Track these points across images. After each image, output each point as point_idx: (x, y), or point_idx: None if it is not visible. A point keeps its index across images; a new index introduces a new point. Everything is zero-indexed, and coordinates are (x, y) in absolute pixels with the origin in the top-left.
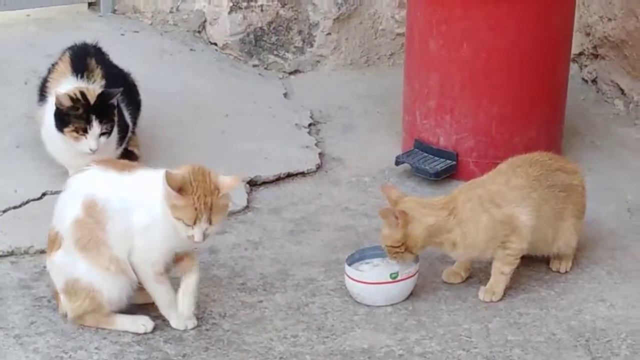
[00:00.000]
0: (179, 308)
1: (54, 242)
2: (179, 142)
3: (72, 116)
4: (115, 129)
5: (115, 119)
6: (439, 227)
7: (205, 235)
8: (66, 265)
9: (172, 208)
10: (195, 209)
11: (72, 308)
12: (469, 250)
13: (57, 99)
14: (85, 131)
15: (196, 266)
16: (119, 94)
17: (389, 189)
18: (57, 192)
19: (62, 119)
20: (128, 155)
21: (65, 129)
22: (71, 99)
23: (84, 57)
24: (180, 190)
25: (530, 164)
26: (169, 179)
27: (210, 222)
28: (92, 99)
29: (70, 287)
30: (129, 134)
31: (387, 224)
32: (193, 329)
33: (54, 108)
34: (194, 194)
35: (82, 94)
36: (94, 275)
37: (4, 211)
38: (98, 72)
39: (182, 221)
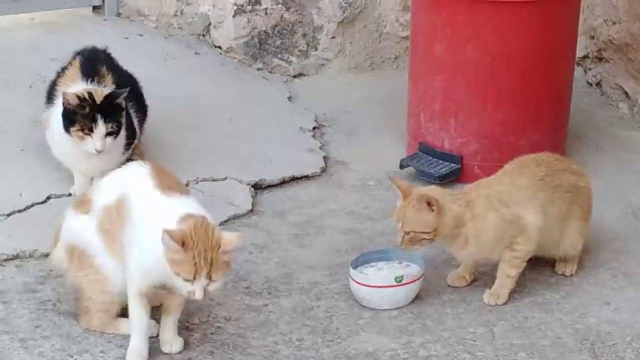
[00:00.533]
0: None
1: (84, 205)
2: (183, 145)
3: (79, 115)
4: (123, 132)
5: (123, 120)
6: (460, 217)
7: (206, 292)
8: (83, 233)
9: (171, 262)
10: (195, 264)
11: (75, 276)
12: (479, 247)
13: (65, 97)
14: (91, 130)
15: (179, 307)
16: (125, 94)
17: (397, 180)
18: (62, 196)
19: (69, 118)
20: None
21: (72, 128)
22: (78, 97)
23: (94, 63)
24: (182, 244)
25: (536, 164)
26: (169, 237)
27: (210, 278)
28: (99, 98)
29: (76, 252)
30: (136, 141)
31: (415, 210)
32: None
33: (62, 108)
34: (194, 248)
35: (90, 94)
36: (107, 260)
37: (9, 215)
38: (109, 79)
39: (180, 277)
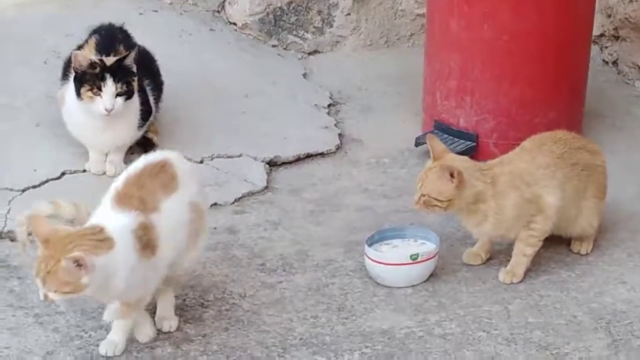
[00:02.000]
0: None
1: None
2: (198, 122)
3: (89, 75)
4: (137, 105)
5: (134, 84)
6: (481, 194)
7: (46, 296)
8: None
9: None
10: (38, 264)
11: None
12: (497, 226)
13: (76, 58)
14: (100, 89)
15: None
16: (135, 53)
17: (434, 140)
18: (77, 172)
19: (80, 80)
20: (146, 142)
21: (82, 89)
22: (90, 60)
23: (111, 41)
24: (45, 241)
25: (554, 142)
26: (34, 227)
27: (44, 283)
28: (109, 62)
29: None
30: (151, 118)
31: (437, 176)
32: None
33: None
34: (44, 250)
35: (101, 60)
36: None
37: (24, 190)
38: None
39: None
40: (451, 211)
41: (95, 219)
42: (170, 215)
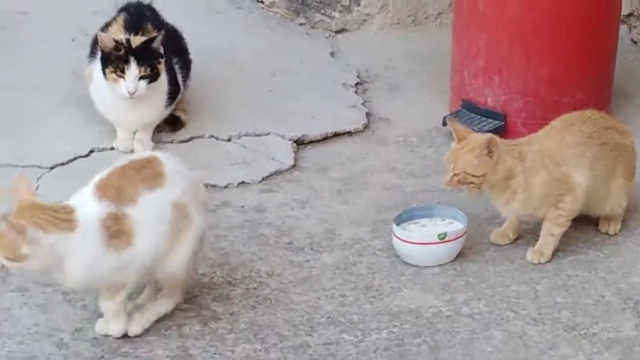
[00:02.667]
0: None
1: None
2: (226, 100)
3: (114, 56)
4: (165, 84)
5: (160, 67)
6: (511, 169)
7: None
8: None
9: None
10: None
11: None
12: (525, 204)
13: (101, 39)
14: (123, 72)
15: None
16: (161, 37)
17: (455, 122)
18: (105, 149)
19: (105, 60)
20: (174, 120)
21: (107, 70)
22: (115, 41)
23: (139, 19)
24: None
25: (583, 121)
26: (17, 189)
27: None
28: (135, 43)
29: None
30: (179, 96)
31: (473, 153)
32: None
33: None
34: (14, 214)
35: (127, 39)
36: None
37: (52, 168)
38: (154, 34)
39: None
40: (484, 187)
41: (73, 200)
42: (149, 210)
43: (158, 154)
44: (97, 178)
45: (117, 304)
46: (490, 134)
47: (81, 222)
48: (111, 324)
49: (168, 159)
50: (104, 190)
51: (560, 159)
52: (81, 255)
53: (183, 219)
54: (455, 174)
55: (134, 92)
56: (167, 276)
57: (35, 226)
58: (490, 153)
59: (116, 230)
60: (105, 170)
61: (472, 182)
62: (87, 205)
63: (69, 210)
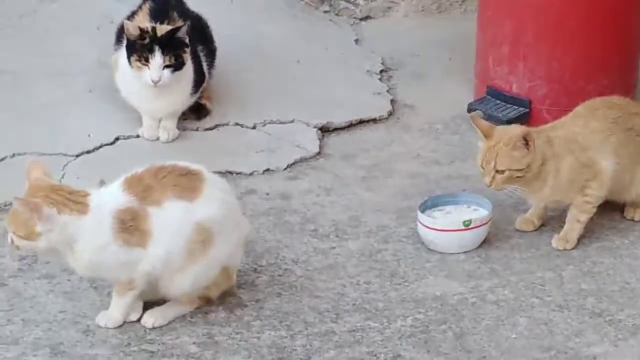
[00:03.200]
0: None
1: None
2: (250, 88)
3: (139, 45)
4: (190, 73)
5: (185, 56)
6: (544, 154)
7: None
8: None
9: None
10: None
11: None
12: (555, 190)
13: (127, 27)
14: (147, 60)
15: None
16: (186, 27)
17: (479, 119)
18: (130, 137)
19: (130, 48)
20: (199, 108)
21: (132, 58)
22: (140, 29)
23: (165, 7)
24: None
25: (608, 107)
26: (30, 170)
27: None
28: (160, 32)
29: None
30: (204, 84)
31: (512, 148)
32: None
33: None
34: (26, 194)
35: (153, 27)
36: None
37: (78, 155)
38: (179, 23)
39: None
40: (530, 177)
41: (100, 189)
42: (171, 217)
43: (206, 171)
44: (133, 171)
45: (125, 302)
46: (522, 127)
47: (94, 207)
48: (110, 312)
49: (214, 180)
50: (133, 184)
51: (585, 144)
52: (89, 240)
53: (201, 243)
54: (498, 172)
55: (158, 81)
56: (174, 293)
57: (50, 205)
58: (527, 145)
59: (131, 226)
60: (145, 166)
61: (518, 177)
62: (108, 194)
63: (83, 194)
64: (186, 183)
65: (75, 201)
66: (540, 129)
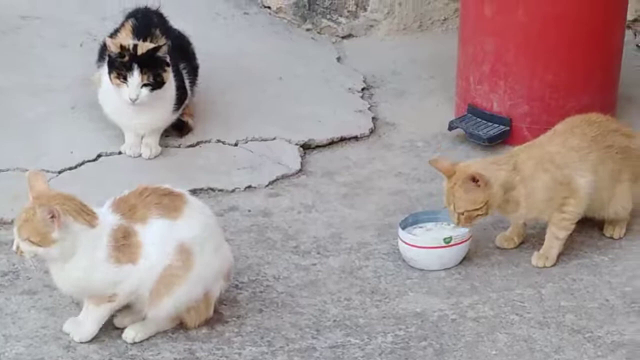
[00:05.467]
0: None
1: None
2: (233, 105)
3: (118, 62)
4: (172, 90)
5: (165, 75)
6: (508, 182)
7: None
8: None
9: None
10: (21, 213)
11: None
12: (530, 210)
13: (107, 44)
14: (125, 79)
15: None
16: (167, 46)
17: (439, 162)
18: (112, 154)
19: (111, 65)
20: (181, 125)
21: (111, 75)
22: (120, 46)
23: (147, 25)
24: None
25: (588, 124)
26: (32, 181)
27: (19, 231)
28: (141, 50)
29: None
30: (187, 101)
31: (463, 190)
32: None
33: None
34: (34, 203)
35: (135, 45)
36: None
37: (60, 172)
38: (162, 41)
39: None
40: (492, 211)
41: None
42: (155, 234)
43: (189, 195)
44: (118, 195)
45: (101, 313)
46: (475, 165)
47: (101, 221)
48: (82, 326)
49: (196, 203)
50: (120, 204)
51: (562, 162)
52: (87, 255)
53: (182, 264)
54: (459, 213)
55: (136, 99)
56: (155, 314)
57: (66, 213)
58: (477, 184)
59: (123, 245)
60: (129, 185)
61: (478, 215)
62: (102, 214)
63: (92, 208)
64: (168, 202)
65: (87, 212)
66: (511, 152)
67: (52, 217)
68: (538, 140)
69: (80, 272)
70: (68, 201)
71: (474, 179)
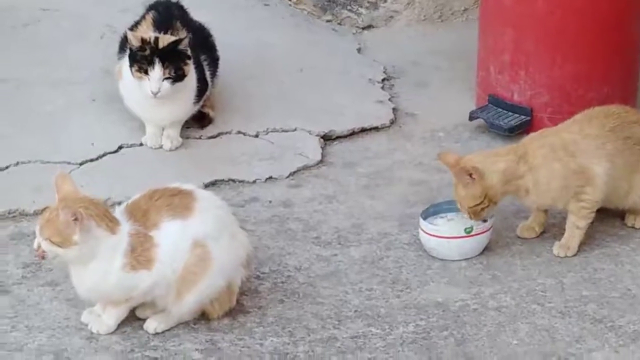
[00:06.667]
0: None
1: None
2: (253, 97)
3: (139, 56)
4: (193, 82)
5: (187, 68)
6: (511, 172)
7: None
8: None
9: None
10: (44, 213)
11: None
12: (541, 197)
13: (128, 37)
14: (146, 72)
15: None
16: (188, 39)
17: (445, 156)
18: (133, 145)
19: (132, 58)
20: (202, 117)
21: (132, 68)
22: (141, 39)
23: (168, 17)
24: (62, 198)
25: (606, 115)
26: (59, 183)
27: (41, 230)
28: (162, 43)
29: None
30: (207, 93)
31: (462, 185)
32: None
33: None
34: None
35: (156, 38)
36: None
37: (81, 164)
38: (183, 33)
39: None
40: (498, 200)
41: None
42: (170, 237)
43: (197, 190)
44: (130, 199)
45: (120, 312)
46: (462, 165)
47: (121, 229)
48: (101, 320)
49: (206, 197)
50: (133, 211)
51: (576, 149)
52: (105, 261)
53: (199, 261)
54: (467, 209)
55: (157, 93)
56: (177, 310)
57: (89, 217)
58: (472, 177)
59: (139, 254)
60: (140, 193)
61: (482, 208)
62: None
63: (114, 215)
64: (179, 202)
65: (110, 219)
66: (523, 140)
67: (75, 219)
68: (553, 128)
69: (97, 277)
70: (93, 205)
71: (468, 173)
